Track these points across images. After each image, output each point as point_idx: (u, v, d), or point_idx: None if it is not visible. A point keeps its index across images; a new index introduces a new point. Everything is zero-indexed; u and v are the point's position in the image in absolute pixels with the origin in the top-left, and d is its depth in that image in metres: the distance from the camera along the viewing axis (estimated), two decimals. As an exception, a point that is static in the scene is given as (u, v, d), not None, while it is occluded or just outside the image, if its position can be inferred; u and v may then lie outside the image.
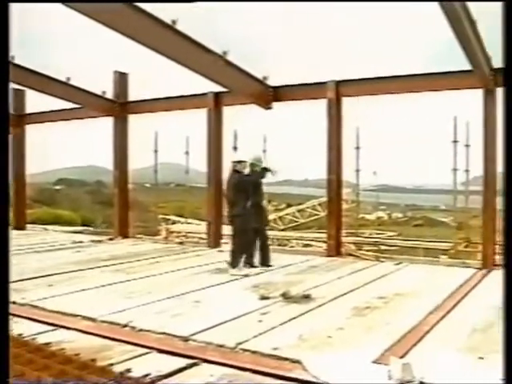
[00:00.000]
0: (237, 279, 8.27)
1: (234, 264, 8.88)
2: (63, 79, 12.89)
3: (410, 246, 16.74)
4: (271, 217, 31.08)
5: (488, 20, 8.17)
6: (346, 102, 11.21)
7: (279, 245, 19.46)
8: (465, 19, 7.19)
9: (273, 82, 11.71)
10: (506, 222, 2.91)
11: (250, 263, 9.09)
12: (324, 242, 11.99)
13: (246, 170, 9.28)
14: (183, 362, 4.32)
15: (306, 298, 6.74)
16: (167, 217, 25.72)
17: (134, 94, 14.27)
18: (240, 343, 4.79)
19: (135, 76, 14.75)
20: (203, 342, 4.87)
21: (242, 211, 8.94)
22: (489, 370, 4.17)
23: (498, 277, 8.83)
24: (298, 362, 4.30)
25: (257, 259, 9.33)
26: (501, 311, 6.15)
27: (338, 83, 11.05)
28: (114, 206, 14.57)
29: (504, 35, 2.82)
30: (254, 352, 4.60)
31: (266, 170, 9.43)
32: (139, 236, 14.81)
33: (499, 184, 9.91)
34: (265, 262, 9.36)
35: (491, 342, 4.97)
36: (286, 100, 11.81)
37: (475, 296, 7.32)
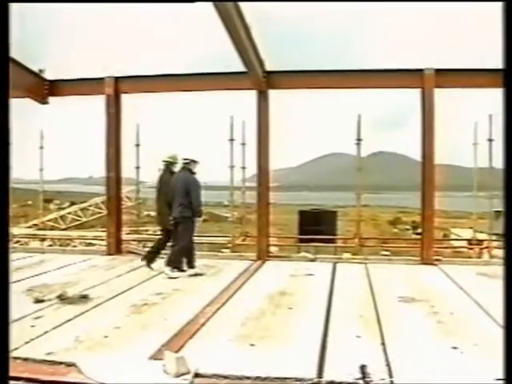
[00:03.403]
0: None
1: (178, 266, 8.63)
2: None
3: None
4: (52, 216, 29.87)
5: (261, 26, 8.65)
6: (126, 98, 11.13)
7: (60, 245, 18.80)
8: (239, 24, 7.53)
9: (51, 75, 11.20)
10: (507, 222, 3.04)
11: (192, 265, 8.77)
12: (107, 240, 11.78)
13: (196, 170, 8.87)
14: None
15: (84, 298, 6.59)
16: None
17: None
18: (10, 352, 4.53)
19: None
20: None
21: (193, 212, 8.58)
22: (258, 356, 4.44)
23: (270, 267, 9.48)
24: (73, 365, 4.19)
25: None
26: (272, 299, 6.60)
27: (117, 79, 10.93)
28: None
29: (504, 35, 2.96)
30: (25, 359, 4.38)
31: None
32: None
33: (272, 180, 10.56)
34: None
35: (263, 329, 5.31)
36: (64, 95, 11.31)
37: (250, 286, 7.74)
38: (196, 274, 8.55)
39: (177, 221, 8.69)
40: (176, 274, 8.45)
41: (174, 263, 8.58)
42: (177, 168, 9.20)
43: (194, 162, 8.84)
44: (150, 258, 9.14)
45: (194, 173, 8.80)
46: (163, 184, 9.14)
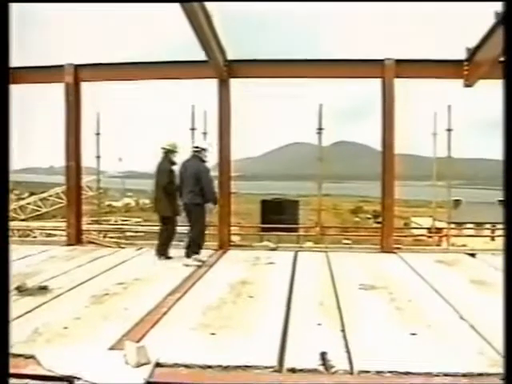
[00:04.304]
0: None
1: (197, 251, 8.76)
2: None
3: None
4: (11, 207, 29.34)
5: (223, 15, 8.63)
6: (86, 86, 10.96)
7: (20, 236, 18.53)
8: (201, 13, 7.48)
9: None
10: (506, 221, 3.05)
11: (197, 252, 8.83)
12: (68, 231, 11.62)
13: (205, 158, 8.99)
14: None
15: (43, 289, 6.50)
16: None
17: None
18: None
19: None
20: None
21: (204, 199, 8.69)
22: (219, 344, 4.46)
23: (232, 256, 9.49)
24: (32, 357, 4.13)
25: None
26: (233, 288, 6.61)
27: (76, 67, 10.72)
28: None
29: (504, 35, 2.97)
30: (-18, 352, 4.30)
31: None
32: None
33: (234, 170, 10.56)
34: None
35: (223, 318, 5.31)
36: (23, 83, 11.01)
37: (211, 275, 7.74)
38: (199, 261, 8.63)
39: (188, 207, 8.82)
40: (191, 261, 8.60)
41: (194, 251, 8.75)
42: (175, 156, 9.20)
43: (204, 149, 8.99)
44: (161, 251, 9.13)
45: (204, 161, 8.93)
46: (161, 172, 9.09)
